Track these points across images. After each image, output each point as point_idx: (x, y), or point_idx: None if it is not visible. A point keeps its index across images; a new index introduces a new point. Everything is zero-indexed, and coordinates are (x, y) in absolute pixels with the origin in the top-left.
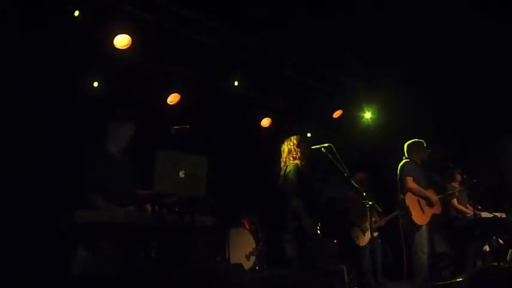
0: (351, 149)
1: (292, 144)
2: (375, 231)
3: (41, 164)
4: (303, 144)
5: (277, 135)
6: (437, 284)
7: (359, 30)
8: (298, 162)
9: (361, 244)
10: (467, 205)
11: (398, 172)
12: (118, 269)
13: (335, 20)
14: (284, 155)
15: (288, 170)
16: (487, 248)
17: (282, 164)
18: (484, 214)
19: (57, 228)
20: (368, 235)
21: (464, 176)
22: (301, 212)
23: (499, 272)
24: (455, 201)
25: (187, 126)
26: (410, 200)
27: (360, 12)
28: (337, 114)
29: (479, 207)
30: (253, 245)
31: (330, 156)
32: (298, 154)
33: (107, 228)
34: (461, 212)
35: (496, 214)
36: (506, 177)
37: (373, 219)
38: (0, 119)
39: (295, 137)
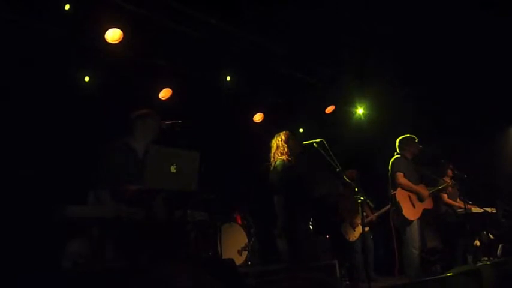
0: (343, 144)
1: (280, 139)
2: (366, 227)
3: (37, 161)
4: (291, 139)
5: (270, 130)
6: (428, 278)
7: (352, 26)
8: (285, 158)
9: (350, 239)
10: (458, 200)
11: (389, 168)
12: (109, 264)
13: (328, 15)
14: (273, 150)
15: (274, 165)
16: (477, 243)
17: (272, 159)
18: (475, 209)
19: (48, 223)
20: (358, 230)
21: (455, 171)
22: (279, 209)
23: None
24: (445, 196)
25: (179, 122)
26: (401, 196)
27: (353, 9)
28: (329, 109)
29: (470, 202)
30: (246, 240)
31: (322, 151)
32: (286, 150)
33: (97, 223)
34: (452, 207)
35: (487, 209)
36: (499, 173)
37: (364, 213)
38: None
39: (283, 132)
